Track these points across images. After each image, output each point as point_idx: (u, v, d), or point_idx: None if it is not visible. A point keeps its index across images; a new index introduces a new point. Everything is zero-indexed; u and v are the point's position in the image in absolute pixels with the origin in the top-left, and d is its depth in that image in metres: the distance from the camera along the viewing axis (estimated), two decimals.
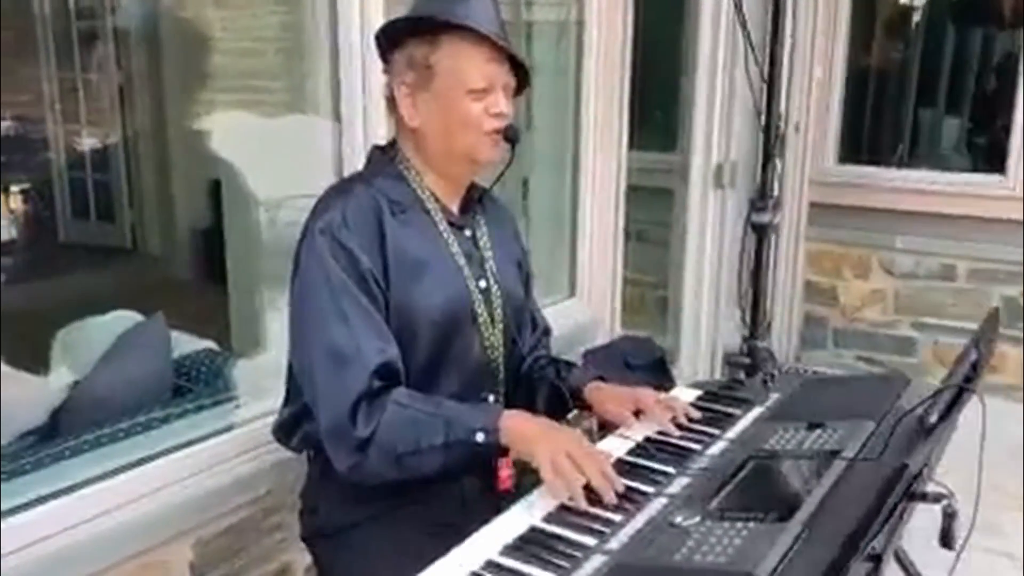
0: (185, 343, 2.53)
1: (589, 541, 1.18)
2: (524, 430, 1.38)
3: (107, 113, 5.60)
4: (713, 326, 3.69)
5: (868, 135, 4.49)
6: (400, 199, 1.51)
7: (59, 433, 1.99)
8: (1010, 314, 3.97)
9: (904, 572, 1.79)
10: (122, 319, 2.55)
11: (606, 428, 1.60)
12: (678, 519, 1.18)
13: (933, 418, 1.03)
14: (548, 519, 1.25)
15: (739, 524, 1.12)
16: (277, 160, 3.17)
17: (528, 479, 1.39)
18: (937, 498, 1.25)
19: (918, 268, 4.17)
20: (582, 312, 2.79)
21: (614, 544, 1.17)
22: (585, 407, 1.64)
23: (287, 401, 1.58)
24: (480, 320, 1.54)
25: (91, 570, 1.55)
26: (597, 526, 1.22)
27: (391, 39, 1.51)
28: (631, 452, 1.46)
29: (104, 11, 5.43)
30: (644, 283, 4.05)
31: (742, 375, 2.92)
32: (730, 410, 1.60)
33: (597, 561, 1.12)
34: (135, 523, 1.63)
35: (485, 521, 1.27)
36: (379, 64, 1.57)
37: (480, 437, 1.36)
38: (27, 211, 5.92)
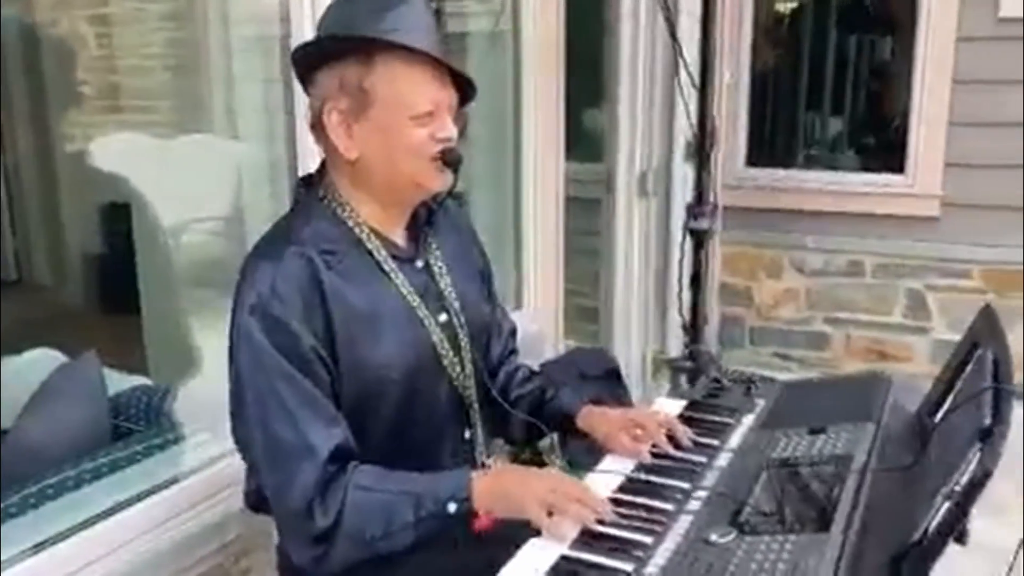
0: (114, 381, 2.37)
1: (626, 566, 1.15)
2: (500, 490, 1.31)
3: None
4: (643, 331, 3.74)
5: (774, 138, 4.64)
6: (334, 246, 1.36)
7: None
8: (913, 306, 4.18)
9: None
10: (43, 359, 2.38)
11: (601, 451, 1.55)
12: (712, 537, 1.16)
13: (987, 421, 1.05)
14: (576, 546, 1.21)
15: (779, 537, 1.12)
16: (179, 181, 3.04)
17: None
18: None
19: (827, 266, 4.33)
20: (529, 324, 2.76)
21: (653, 568, 1.14)
22: (578, 433, 1.58)
23: (249, 471, 1.46)
24: (445, 360, 1.44)
25: None
26: (629, 548, 1.19)
27: (313, 60, 1.37)
28: (637, 469, 1.43)
29: None
30: (572, 292, 4.06)
31: (684, 379, 2.95)
32: (721, 419, 1.60)
33: None
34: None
35: (478, 564, 1.21)
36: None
37: (452, 507, 1.29)
38: None
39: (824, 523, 1.13)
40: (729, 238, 4.36)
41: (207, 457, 1.82)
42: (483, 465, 1.53)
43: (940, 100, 3.95)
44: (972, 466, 0.98)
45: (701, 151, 2.80)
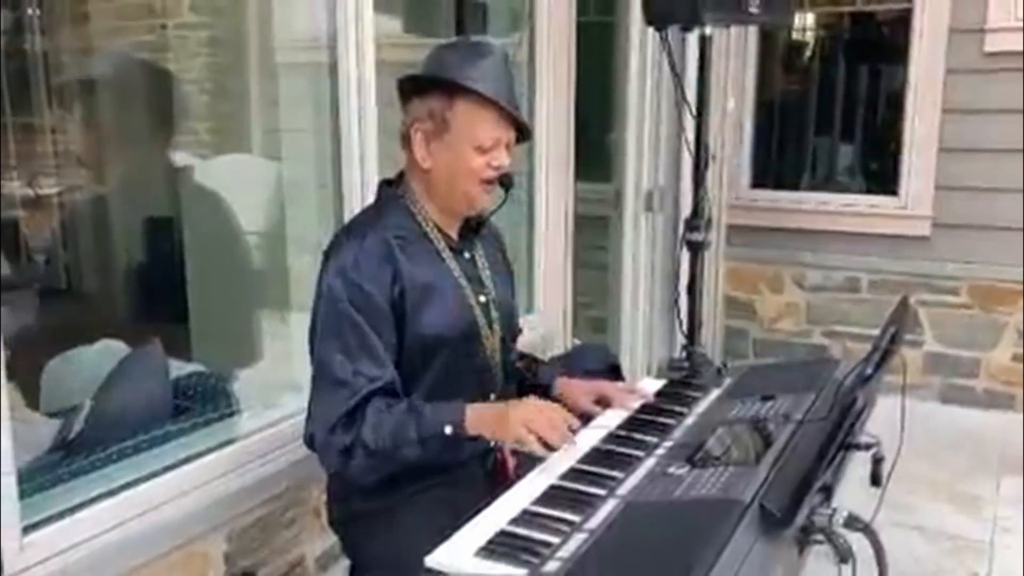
0: (173, 368, 2.70)
1: (601, 491, 1.45)
2: (489, 419, 1.62)
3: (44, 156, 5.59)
4: (648, 337, 4.03)
5: (778, 162, 4.94)
6: (406, 232, 1.74)
7: (82, 448, 2.15)
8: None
9: None
10: (110, 348, 2.71)
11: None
12: (671, 469, 1.47)
13: (869, 370, 1.34)
14: (564, 477, 1.51)
15: (721, 469, 1.41)
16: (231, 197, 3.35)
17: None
18: (868, 446, 1.57)
19: (826, 282, 4.61)
20: (539, 327, 3.07)
21: (622, 491, 1.44)
22: (554, 400, 1.89)
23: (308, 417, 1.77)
24: (482, 331, 1.79)
25: (143, 559, 1.73)
26: (603, 480, 1.49)
27: (411, 89, 1.74)
28: (617, 427, 1.74)
29: (37, 57, 5.47)
30: (581, 304, 4.37)
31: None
32: (692, 393, 1.90)
33: (611, 504, 1.39)
34: (177, 519, 1.82)
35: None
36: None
37: (448, 430, 1.60)
38: None
39: (756, 460, 1.42)
40: (734, 255, 4.66)
41: (259, 425, 2.13)
42: None
43: (930, 127, 4.23)
44: (857, 405, 1.27)
45: (697, 171, 3.09)
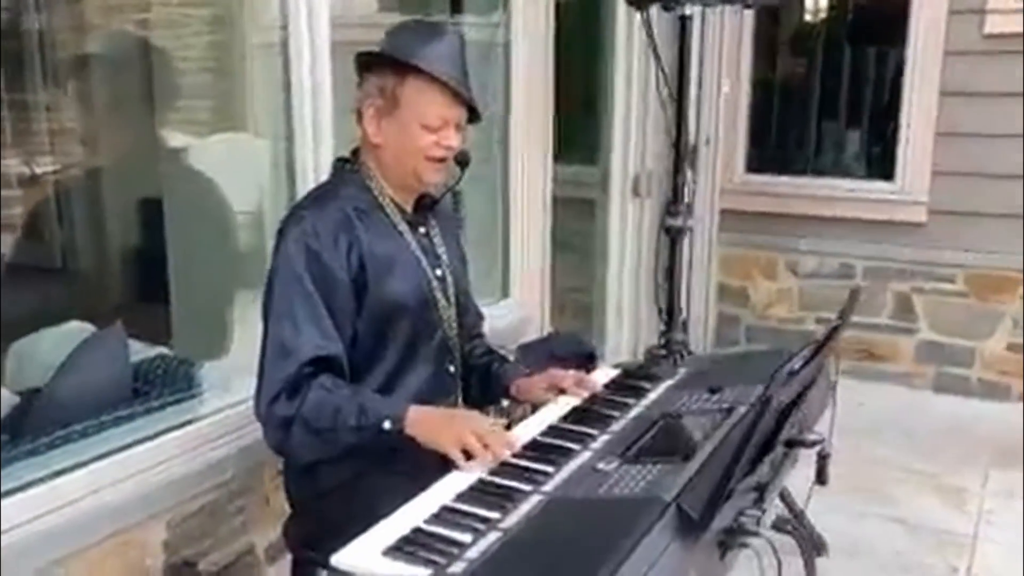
0: (138, 351, 2.67)
1: (527, 487, 1.40)
2: (426, 423, 1.60)
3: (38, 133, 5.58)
4: (634, 323, 3.98)
5: (773, 146, 4.85)
6: (363, 205, 1.75)
7: (28, 432, 2.12)
8: (900, 307, 4.36)
9: (789, 510, 2.06)
10: (77, 330, 2.68)
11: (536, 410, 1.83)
12: (600, 465, 1.42)
13: (797, 365, 1.28)
14: (494, 471, 1.47)
15: (650, 466, 1.36)
16: (216, 176, 3.31)
17: None
18: (813, 443, 1.51)
19: (820, 268, 4.53)
20: (515, 312, 3.02)
21: (548, 487, 1.39)
22: (513, 399, 1.93)
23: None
24: (439, 304, 1.81)
25: (76, 547, 1.70)
26: (532, 475, 1.44)
27: (366, 65, 1.74)
28: (561, 419, 1.69)
29: (31, 30, 5.45)
30: (568, 288, 4.32)
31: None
32: (644, 384, 1.85)
33: (533, 500, 1.34)
34: (113, 505, 1.79)
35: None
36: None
37: (387, 425, 1.60)
38: None
39: (687, 456, 1.37)
40: (727, 240, 4.59)
41: (212, 408, 2.10)
42: (456, 400, 1.89)
43: (928, 111, 4.14)
44: (780, 401, 1.21)
45: (677, 156, 3.03)
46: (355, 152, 1.82)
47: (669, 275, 3.08)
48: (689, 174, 4.41)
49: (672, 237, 3.04)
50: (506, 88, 2.92)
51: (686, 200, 3.05)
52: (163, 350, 2.71)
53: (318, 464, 1.69)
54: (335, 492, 1.68)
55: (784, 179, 4.63)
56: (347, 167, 1.81)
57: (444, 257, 1.85)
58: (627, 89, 3.70)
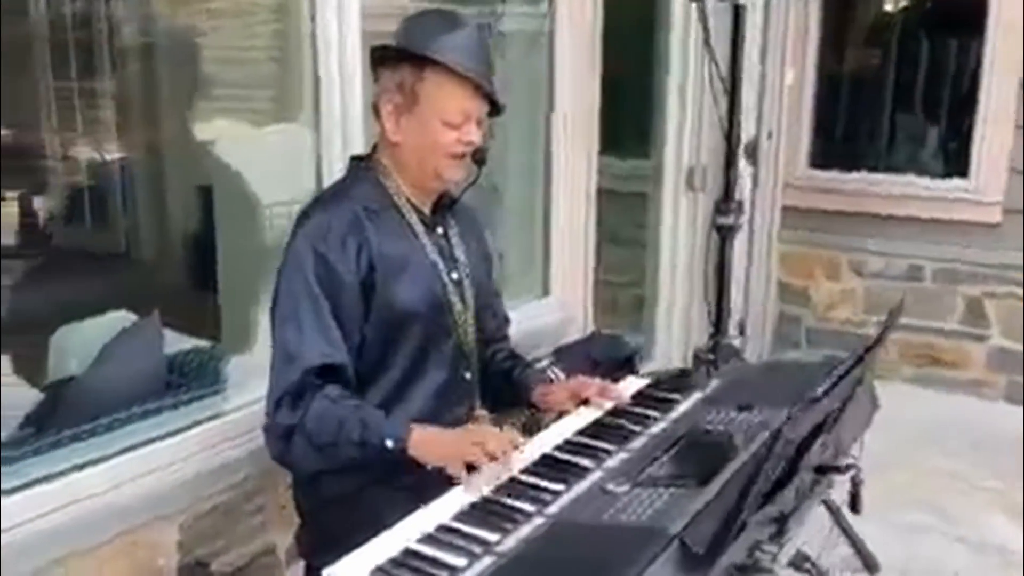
0: (176, 342, 2.67)
1: (531, 508, 1.32)
2: (429, 443, 1.52)
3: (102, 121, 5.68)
4: (685, 323, 3.85)
5: (839, 140, 4.64)
6: (376, 205, 1.67)
7: (55, 425, 2.13)
8: (971, 313, 4.13)
9: (838, 526, 1.89)
10: (118, 319, 2.69)
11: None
12: (610, 486, 1.33)
13: (819, 391, 1.17)
14: (499, 490, 1.39)
15: (662, 489, 1.27)
16: (266, 167, 3.30)
17: None
18: (847, 469, 1.40)
19: (887, 269, 4.32)
20: (555, 311, 2.93)
21: (553, 509, 1.31)
22: (534, 407, 1.83)
23: None
24: (455, 308, 1.72)
25: (82, 546, 1.68)
26: (539, 494, 1.36)
27: (381, 60, 1.66)
28: (579, 432, 1.60)
29: (99, 21, 5.55)
30: (620, 283, 4.21)
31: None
32: (673, 396, 1.75)
33: (535, 523, 1.26)
34: (124, 504, 1.77)
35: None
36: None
37: (389, 443, 1.52)
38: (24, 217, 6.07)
39: (702, 483, 1.27)
40: (788, 238, 4.42)
41: (232, 406, 2.07)
42: (472, 408, 1.79)
43: (1006, 106, 3.89)
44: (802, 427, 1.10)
45: (729, 150, 2.90)
46: (373, 148, 1.75)
47: (719, 274, 2.96)
48: (748, 169, 4.30)
49: (723, 235, 2.92)
50: (550, 80, 2.82)
51: (738, 197, 2.91)
52: (200, 342, 2.71)
53: (322, 474, 1.64)
54: (338, 503, 1.62)
55: (851, 175, 4.42)
56: (362, 165, 1.74)
57: (462, 259, 1.76)
58: (682, 80, 3.56)
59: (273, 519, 2.00)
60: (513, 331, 2.72)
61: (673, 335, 3.81)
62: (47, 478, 1.73)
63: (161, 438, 1.94)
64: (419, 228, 1.71)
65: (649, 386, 1.83)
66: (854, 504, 1.39)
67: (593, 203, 3.06)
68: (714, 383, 1.78)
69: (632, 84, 3.76)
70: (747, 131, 4.32)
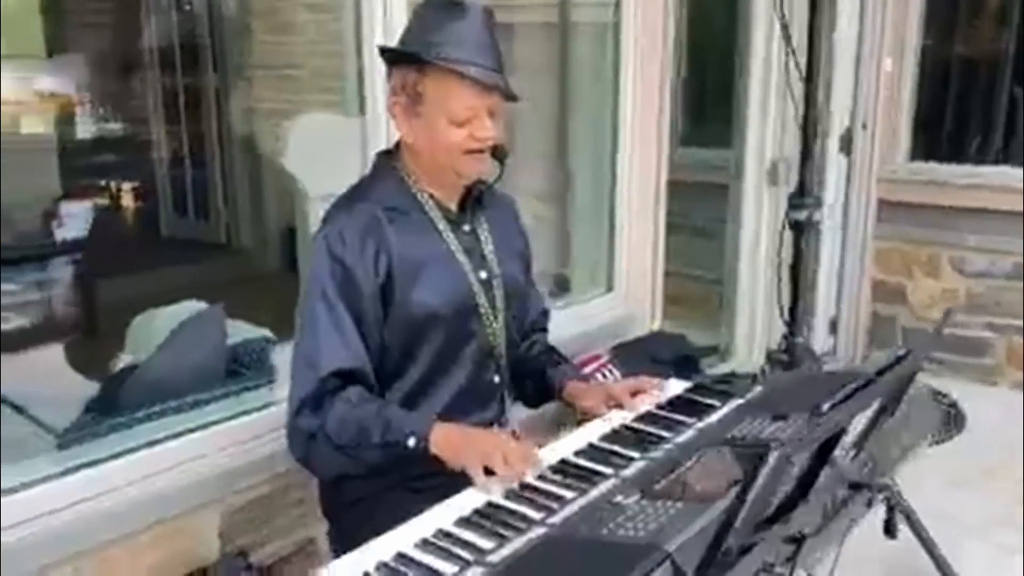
0: (244, 331, 2.72)
1: (537, 515, 1.28)
2: (452, 441, 1.49)
3: (204, 115, 5.89)
4: (768, 320, 3.69)
5: (944, 130, 4.36)
6: (399, 204, 1.63)
7: (113, 410, 2.20)
8: None
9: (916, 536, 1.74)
10: (189, 308, 2.77)
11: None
12: (618, 497, 1.27)
13: (825, 406, 1.08)
14: (508, 495, 1.35)
15: (670, 503, 1.20)
16: (335, 158, 3.34)
17: None
18: (880, 488, 1.29)
19: (991, 267, 4.04)
20: (618, 307, 2.86)
21: (557, 518, 1.26)
22: (565, 403, 1.76)
23: None
24: (482, 310, 1.66)
25: (120, 533, 1.74)
26: (548, 502, 1.31)
27: (388, 60, 1.64)
28: (603, 436, 1.55)
29: (202, 18, 5.75)
30: (703, 278, 4.09)
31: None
32: (712, 402, 1.66)
33: (535, 532, 1.22)
34: (166, 492, 1.82)
35: None
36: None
37: (411, 442, 1.49)
38: (137, 208, 6.38)
39: (713, 497, 1.19)
40: (884, 233, 4.20)
41: (278, 398, 2.09)
42: (502, 412, 1.75)
43: None
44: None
45: (805, 142, 2.75)
46: (397, 146, 1.71)
47: (793, 272, 2.82)
48: (841, 161, 4.10)
49: (796, 231, 2.78)
50: (615, 71, 2.74)
51: (816, 191, 2.77)
52: (266, 332, 2.77)
53: (344, 478, 1.62)
54: (360, 506, 1.61)
55: (952, 168, 4.14)
56: (386, 162, 1.70)
57: (492, 256, 1.70)
58: (765, 69, 3.41)
59: (313, 512, 2.00)
60: (574, 327, 2.69)
61: (756, 333, 3.67)
62: (95, 463, 1.80)
63: (207, 426, 1.98)
64: (443, 226, 1.66)
65: (688, 390, 1.75)
66: (888, 528, 1.28)
67: (663, 197, 2.97)
68: (757, 390, 1.69)
69: (715, 72, 3.64)
70: (841, 121, 4.13)
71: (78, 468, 1.78)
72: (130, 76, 6.19)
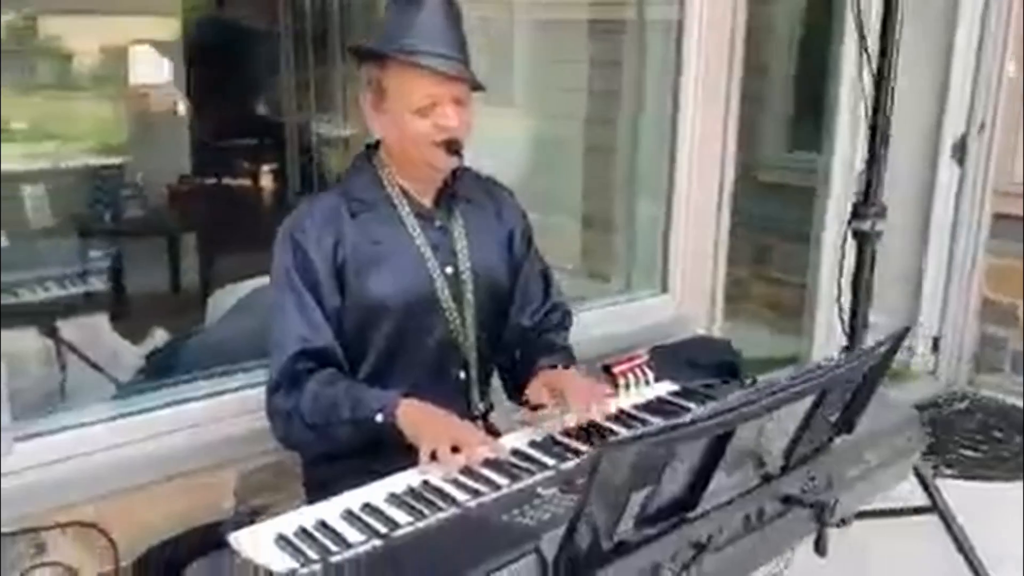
0: None
1: (463, 497, 1.32)
2: (415, 419, 1.52)
3: (335, 103, 6.17)
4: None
5: None
6: (367, 198, 1.68)
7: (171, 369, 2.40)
8: None
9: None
10: (255, 285, 2.96)
11: None
12: (541, 488, 1.30)
13: (699, 413, 1.07)
14: (446, 478, 1.39)
15: (572, 496, 1.22)
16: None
17: None
18: (812, 505, 1.26)
19: None
20: (668, 309, 2.84)
21: (475, 502, 1.30)
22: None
23: None
24: (444, 304, 1.70)
25: (148, 479, 1.90)
26: (480, 486, 1.35)
27: (356, 59, 1.70)
28: (564, 433, 1.56)
29: (332, 14, 6.03)
30: (789, 282, 3.97)
31: None
32: (688, 405, 1.65)
33: (449, 512, 1.27)
34: (190, 447, 1.98)
35: None
36: None
37: (379, 418, 1.54)
38: (275, 189, 6.77)
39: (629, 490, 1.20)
40: (997, 249, 3.93)
41: None
42: (470, 405, 1.77)
43: None
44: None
45: (873, 147, 2.62)
46: (378, 142, 1.75)
47: (854, 284, 2.70)
48: (954, 171, 3.88)
49: (860, 241, 2.66)
50: (676, 70, 2.71)
51: (880, 200, 2.63)
52: None
53: (320, 458, 1.69)
54: (327, 488, 1.65)
55: None
56: (365, 155, 1.74)
57: (463, 252, 1.72)
58: (857, 72, 3.26)
59: None
60: (625, 326, 2.69)
61: (836, 340, 3.53)
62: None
63: (237, 390, 2.12)
64: (411, 220, 1.69)
65: (673, 393, 1.74)
66: (818, 544, 1.24)
67: (728, 198, 2.92)
68: (738, 393, 1.65)
69: (802, 72, 3.52)
70: (956, 129, 3.90)
71: (114, 418, 1.96)
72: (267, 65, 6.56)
